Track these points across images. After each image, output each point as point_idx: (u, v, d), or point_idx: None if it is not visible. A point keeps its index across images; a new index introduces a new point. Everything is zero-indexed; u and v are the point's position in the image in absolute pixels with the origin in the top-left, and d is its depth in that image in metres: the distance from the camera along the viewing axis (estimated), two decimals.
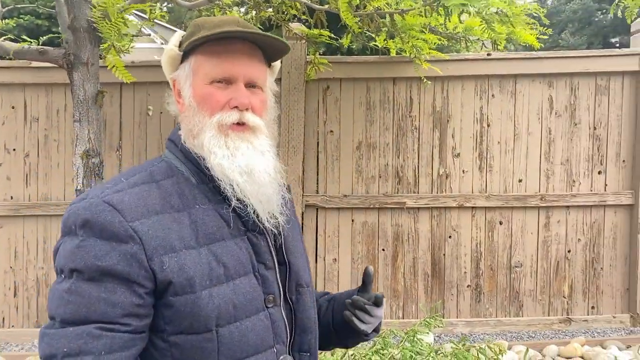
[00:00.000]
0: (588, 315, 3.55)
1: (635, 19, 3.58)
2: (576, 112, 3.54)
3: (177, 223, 0.89)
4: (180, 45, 1.00)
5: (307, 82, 3.42)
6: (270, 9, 3.13)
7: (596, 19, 6.03)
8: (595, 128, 3.55)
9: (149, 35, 8.49)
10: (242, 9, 4.44)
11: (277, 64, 1.09)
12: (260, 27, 2.38)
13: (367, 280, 1.10)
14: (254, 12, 3.20)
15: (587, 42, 5.91)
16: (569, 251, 3.56)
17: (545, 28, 3.02)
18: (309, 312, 1.03)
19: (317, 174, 3.46)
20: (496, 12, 2.33)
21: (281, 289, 0.98)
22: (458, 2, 1.98)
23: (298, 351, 1.00)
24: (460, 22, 2.89)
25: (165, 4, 7.64)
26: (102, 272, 0.82)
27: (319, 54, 3.50)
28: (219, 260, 0.90)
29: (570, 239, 3.55)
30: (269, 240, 0.98)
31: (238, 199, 0.93)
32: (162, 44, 8.66)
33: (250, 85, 0.98)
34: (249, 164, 0.94)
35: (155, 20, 3.05)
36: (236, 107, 0.95)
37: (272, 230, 0.98)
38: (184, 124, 0.98)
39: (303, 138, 3.39)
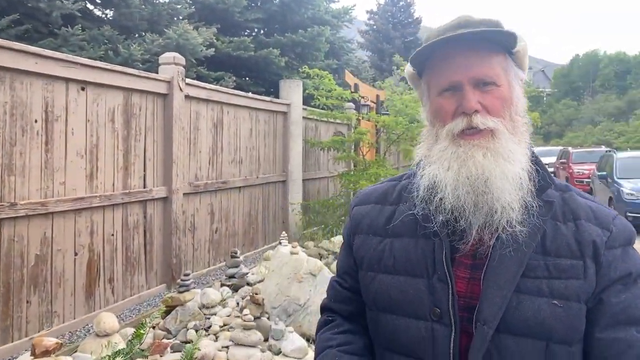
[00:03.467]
0: None
1: None
2: None
3: (378, 213, 1.02)
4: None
5: None
6: None
7: None
8: None
9: None
10: None
11: (520, 48, 0.94)
12: None
13: None
14: None
15: None
16: None
17: None
18: None
19: None
20: None
21: (451, 311, 0.88)
22: None
23: None
24: None
25: None
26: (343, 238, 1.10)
27: None
28: (392, 252, 0.96)
29: None
30: (444, 249, 0.91)
31: (452, 211, 0.90)
32: None
33: (482, 84, 0.91)
34: (479, 173, 0.88)
35: None
36: (463, 112, 0.90)
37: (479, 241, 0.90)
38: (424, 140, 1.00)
39: None
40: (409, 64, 1.01)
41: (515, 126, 0.94)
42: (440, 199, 0.91)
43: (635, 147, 29.21)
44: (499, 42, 0.93)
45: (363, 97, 9.54)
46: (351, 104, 8.86)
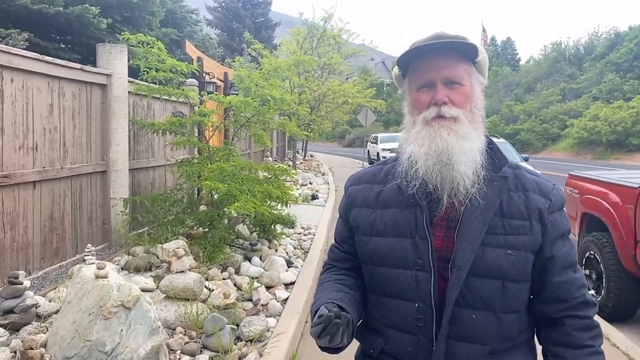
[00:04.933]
0: None
1: None
2: None
3: (369, 191, 1.36)
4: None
5: None
6: None
7: None
8: None
9: None
10: None
11: (481, 59, 1.28)
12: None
13: None
14: None
15: None
16: None
17: None
18: (468, 299, 1.19)
19: None
20: None
21: (431, 261, 1.21)
22: None
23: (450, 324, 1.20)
24: None
25: None
26: (340, 214, 1.45)
27: None
28: (382, 220, 1.29)
29: None
30: (424, 215, 1.23)
31: (423, 179, 1.23)
32: None
33: (450, 83, 1.23)
34: (444, 147, 1.20)
35: None
36: (435, 103, 1.22)
37: (450, 207, 1.23)
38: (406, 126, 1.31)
39: None
40: (396, 66, 1.35)
41: (474, 117, 1.27)
42: (415, 169, 1.24)
43: None
44: (464, 53, 1.27)
45: (208, 74, 8.42)
46: (194, 81, 7.70)
